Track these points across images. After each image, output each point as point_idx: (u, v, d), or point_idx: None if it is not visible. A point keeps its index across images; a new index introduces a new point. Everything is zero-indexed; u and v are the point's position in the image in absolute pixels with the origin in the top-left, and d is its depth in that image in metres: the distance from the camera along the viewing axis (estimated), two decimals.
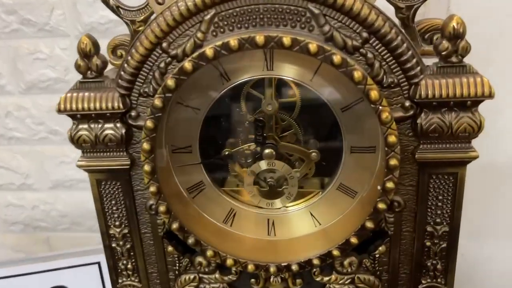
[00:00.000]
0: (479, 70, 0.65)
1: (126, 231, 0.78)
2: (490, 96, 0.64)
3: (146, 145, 0.68)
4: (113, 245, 0.80)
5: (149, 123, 0.66)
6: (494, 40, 1.08)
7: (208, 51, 0.62)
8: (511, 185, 1.19)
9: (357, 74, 0.62)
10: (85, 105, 0.69)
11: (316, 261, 0.74)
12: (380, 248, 0.76)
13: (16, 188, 1.39)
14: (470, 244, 1.25)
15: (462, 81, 0.64)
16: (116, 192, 0.76)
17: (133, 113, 0.71)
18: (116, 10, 0.75)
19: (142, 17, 0.70)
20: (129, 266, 0.81)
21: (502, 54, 1.08)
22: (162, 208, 0.72)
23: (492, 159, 1.16)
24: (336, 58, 0.61)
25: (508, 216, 1.22)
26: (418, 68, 0.65)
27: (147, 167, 0.69)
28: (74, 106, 0.69)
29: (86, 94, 0.69)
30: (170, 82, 0.64)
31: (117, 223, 0.78)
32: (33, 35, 1.23)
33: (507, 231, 1.24)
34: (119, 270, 0.82)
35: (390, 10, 0.68)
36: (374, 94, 0.62)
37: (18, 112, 1.30)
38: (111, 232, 0.79)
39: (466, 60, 0.65)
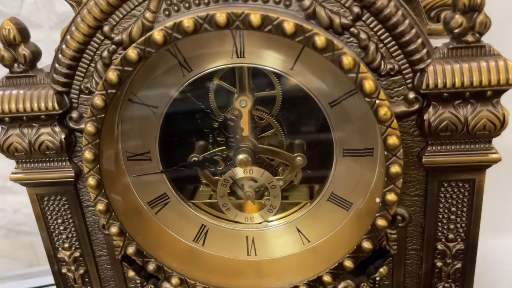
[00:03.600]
0: None
1: (77, 254, 0.66)
2: None
3: (88, 154, 0.55)
4: (64, 270, 0.67)
5: (90, 127, 0.54)
6: (507, 21, 0.95)
7: (157, 34, 0.49)
8: None
9: (347, 60, 0.48)
10: (13, 106, 0.56)
11: None
12: (381, 270, 0.64)
13: None
14: (483, 242, 1.13)
15: (480, 65, 0.51)
16: (62, 209, 0.63)
17: (74, 114, 0.58)
18: None
19: None
20: None
21: None
22: (114, 230, 0.59)
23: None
24: (320, 40, 0.48)
25: None
26: (425, 50, 0.51)
27: (91, 181, 0.56)
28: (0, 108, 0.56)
29: (14, 92, 0.56)
30: (112, 75, 0.51)
31: (66, 245, 0.66)
32: None
33: None
34: None
35: None
36: (368, 84, 0.49)
37: None
38: (59, 255, 0.66)
39: None
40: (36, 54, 0.56)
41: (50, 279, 1.06)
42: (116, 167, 0.61)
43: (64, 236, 0.65)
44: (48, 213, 0.64)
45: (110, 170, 0.60)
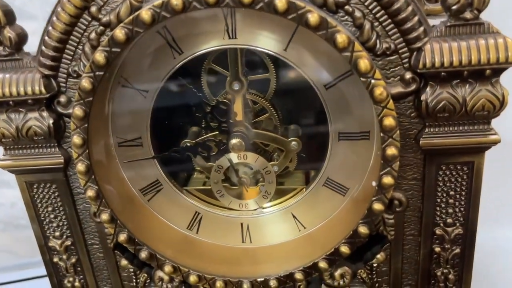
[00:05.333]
0: None
1: (69, 242, 0.65)
2: None
3: (77, 139, 0.53)
4: (55, 259, 0.66)
5: (78, 111, 0.52)
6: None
7: (145, 13, 0.47)
8: None
9: (341, 38, 0.47)
10: (0, 90, 0.54)
11: (299, 275, 0.60)
12: (379, 256, 0.62)
13: None
14: (486, 231, 1.12)
15: (478, 43, 0.49)
16: (52, 197, 0.62)
17: (62, 99, 0.56)
18: None
19: None
20: (76, 284, 0.68)
21: None
22: (105, 217, 0.58)
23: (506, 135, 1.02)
24: (313, 18, 0.46)
25: None
26: (421, 28, 0.50)
27: (81, 166, 0.55)
28: None
29: (0, 76, 0.54)
30: (99, 56, 0.50)
31: (57, 233, 0.64)
32: None
33: None
34: None
35: None
36: (363, 63, 0.48)
37: None
38: (51, 244, 0.65)
39: None
40: (22, 37, 0.55)
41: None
42: (107, 153, 0.60)
43: (55, 225, 0.64)
44: (38, 201, 0.63)
45: (101, 157, 0.59)
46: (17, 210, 1.31)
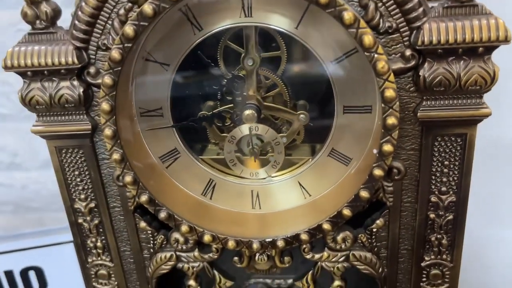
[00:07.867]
0: None
1: (92, 205, 0.70)
2: (506, 40, 0.54)
3: (105, 105, 0.59)
4: (80, 220, 0.72)
5: (107, 79, 0.57)
6: None
7: None
8: None
9: (348, 15, 0.52)
10: (36, 61, 0.60)
11: (304, 236, 0.65)
12: (378, 222, 0.68)
13: (5, 167, 1.31)
14: (480, 222, 1.16)
15: (472, 23, 0.54)
16: (79, 161, 0.67)
17: (91, 70, 0.62)
18: None
19: None
20: (98, 244, 0.73)
21: None
22: (128, 179, 0.63)
23: (502, 133, 1.06)
24: None
25: None
26: (421, 9, 0.55)
27: (108, 131, 0.60)
28: (23, 62, 0.60)
29: (36, 47, 0.60)
30: (129, 29, 0.55)
31: (82, 196, 0.70)
32: (13, 5, 1.14)
33: None
34: (88, 249, 0.74)
35: None
36: (368, 39, 0.53)
37: (2, 88, 1.21)
38: (76, 206, 0.71)
39: None
40: (57, 12, 0.60)
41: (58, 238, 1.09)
42: (131, 122, 0.65)
43: (80, 188, 0.69)
44: (66, 165, 0.68)
45: (125, 125, 0.64)
46: (28, 192, 1.35)
